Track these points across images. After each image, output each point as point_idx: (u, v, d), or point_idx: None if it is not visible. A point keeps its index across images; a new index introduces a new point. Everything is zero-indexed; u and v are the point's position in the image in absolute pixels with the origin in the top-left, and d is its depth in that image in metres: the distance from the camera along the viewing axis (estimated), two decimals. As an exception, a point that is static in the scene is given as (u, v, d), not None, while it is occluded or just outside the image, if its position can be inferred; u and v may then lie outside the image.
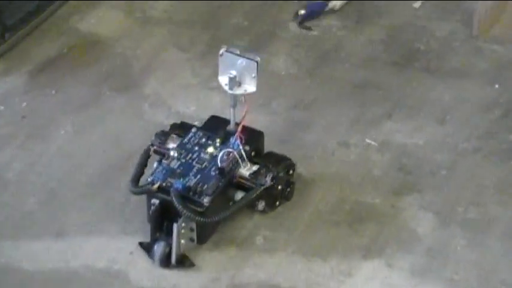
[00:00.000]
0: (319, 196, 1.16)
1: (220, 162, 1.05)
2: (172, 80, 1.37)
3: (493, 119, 1.30)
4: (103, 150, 1.23)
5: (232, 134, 1.10)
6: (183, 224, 1.01)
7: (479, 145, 1.25)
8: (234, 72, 1.03)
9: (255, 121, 1.14)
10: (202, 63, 1.40)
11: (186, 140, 1.10)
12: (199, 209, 1.01)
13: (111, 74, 1.37)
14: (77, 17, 1.49)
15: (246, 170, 1.08)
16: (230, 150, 1.07)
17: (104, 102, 1.32)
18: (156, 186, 1.03)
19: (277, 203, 1.12)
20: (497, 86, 1.37)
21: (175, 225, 1.00)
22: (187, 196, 1.03)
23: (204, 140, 1.10)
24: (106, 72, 1.37)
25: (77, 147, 1.24)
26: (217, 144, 1.09)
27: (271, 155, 1.13)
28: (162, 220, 1.03)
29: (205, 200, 1.02)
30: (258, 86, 1.06)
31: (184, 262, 1.03)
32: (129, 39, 1.44)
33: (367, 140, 1.26)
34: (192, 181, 1.04)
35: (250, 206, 1.09)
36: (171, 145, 1.09)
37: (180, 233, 1.01)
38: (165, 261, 1.02)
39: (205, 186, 1.03)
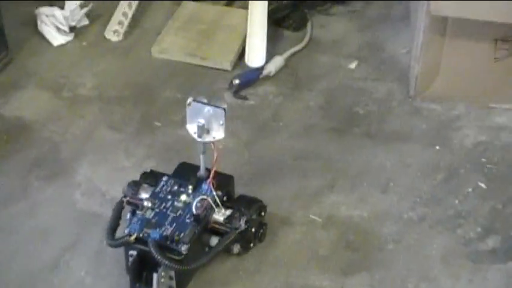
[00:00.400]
0: (265, 283, 1.11)
1: (195, 209, 1.07)
2: (105, 163, 1.31)
3: (436, 184, 1.27)
4: (31, 249, 1.15)
5: (203, 180, 1.12)
6: (162, 273, 1.03)
7: (424, 213, 1.22)
8: (202, 121, 1.06)
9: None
10: (135, 143, 1.35)
11: (158, 189, 1.12)
12: (177, 258, 1.03)
13: (38, 162, 1.30)
14: (0, 100, 1.43)
15: (220, 215, 1.10)
16: (204, 197, 1.09)
17: (31, 194, 1.24)
18: (133, 237, 1.04)
19: (251, 244, 1.14)
20: (437, 147, 1.35)
21: (155, 275, 1.01)
22: (165, 245, 1.04)
23: (176, 187, 1.12)
24: (33, 161, 1.30)
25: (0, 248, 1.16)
26: (190, 191, 1.11)
27: (242, 198, 1.16)
28: (140, 271, 1.04)
29: (183, 248, 1.04)
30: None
31: None
32: (57, 122, 1.38)
33: (311, 216, 1.22)
34: (168, 230, 1.05)
35: (226, 250, 1.11)
36: (144, 195, 1.11)
37: (160, 282, 1.03)
38: None
39: (182, 234, 1.05)
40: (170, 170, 1.19)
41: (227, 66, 1.52)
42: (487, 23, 1.33)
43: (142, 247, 1.03)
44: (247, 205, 1.12)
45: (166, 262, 1.00)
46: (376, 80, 1.51)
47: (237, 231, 1.08)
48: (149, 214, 1.07)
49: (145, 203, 1.08)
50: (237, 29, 1.57)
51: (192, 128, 1.07)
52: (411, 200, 1.25)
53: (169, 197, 1.10)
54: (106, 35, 1.60)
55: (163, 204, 1.09)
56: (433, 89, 1.44)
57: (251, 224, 1.11)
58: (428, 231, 1.19)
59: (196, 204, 1.07)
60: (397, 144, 1.36)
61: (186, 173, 1.14)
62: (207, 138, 1.07)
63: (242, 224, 1.09)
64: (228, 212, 1.10)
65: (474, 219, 1.21)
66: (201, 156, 1.11)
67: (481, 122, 1.41)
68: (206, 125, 1.06)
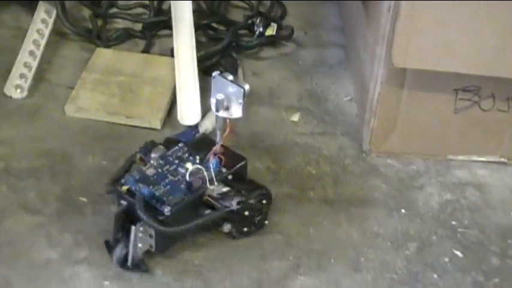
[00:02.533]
0: None
1: (188, 176, 1.08)
2: (24, 257, 1.07)
3: (410, 256, 1.14)
4: None
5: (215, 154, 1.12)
6: (141, 228, 1.04)
7: (403, 293, 1.09)
8: (221, 96, 1.07)
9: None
10: (60, 227, 1.12)
11: (169, 152, 1.14)
12: (159, 217, 1.04)
13: None
14: None
15: (215, 190, 1.09)
16: (199, 167, 1.09)
17: None
18: (125, 188, 1.07)
19: (245, 229, 1.12)
20: (403, 211, 1.22)
21: (133, 228, 1.04)
22: (151, 203, 1.05)
23: (186, 155, 1.14)
24: None
25: None
26: (197, 161, 1.12)
27: (250, 182, 1.15)
28: (125, 222, 1.06)
29: (166, 210, 1.04)
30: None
31: (139, 266, 1.06)
32: (-43, 207, 1.13)
33: (280, 307, 1.05)
34: (160, 190, 1.07)
35: (216, 226, 1.11)
36: (154, 155, 1.13)
37: (138, 236, 1.05)
38: (122, 262, 1.06)
39: (171, 197, 1.06)
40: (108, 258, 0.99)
41: (157, 124, 1.31)
42: (447, 74, 1.22)
43: (130, 199, 1.06)
44: (249, 189, 1.11)
45: (145, 217, 1.02)
46: (324, 134, 1.37)
47: (225, 209, 1.08)
48: (150, 172, 1.10)
49: (151, 161, 1.11)
50: (163, 80, 1.38)
51: (212, 102, 1.09)
52: (387, 277, 1.10)
53: (176, 161, 1.13)
54: (6, 92, 1.36)
55: (167, 167, 1.11)
56: (389, 144, 1.32)
57: (245, 207, 1.09)
58: (413, 314, 1.06)
59: (190, 171, 1.08)
60: (359, 210, 1.21)
61: (203, 146, 1.15)
62: (224, 114, 1.08)
63: (234, 204, 1.08)
64: (225, 189, 1.10)
65: (450, 297, 1.10)
66: (218, 132, 1.12)
67: (443, 177, 1.30)
68: (226, 102, 1.07)
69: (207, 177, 1.08)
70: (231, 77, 1.07)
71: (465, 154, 1.34)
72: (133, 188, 1.07)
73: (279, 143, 1.34)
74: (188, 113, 1.32)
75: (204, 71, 1.44)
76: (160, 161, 1.12)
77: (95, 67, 1.40)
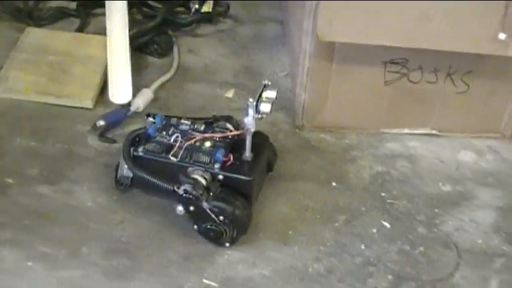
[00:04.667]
0: None
1: (172, 141, 1.12)
2: None
3: (338, 227, 1.15)
4: None
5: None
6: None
7: (331, 264, 1.09)
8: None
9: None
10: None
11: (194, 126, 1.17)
12: (134, 152, 1.13)
13: None
14: None
15: (195, 172, 1.09)
16: (193, 132, 1.14)
17: None
18: (150, 119, 1.17)
19: (195, 226, 1.10)
20: (334, 183, 1.23)
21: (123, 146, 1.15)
22: (142, 139, 1.14)
23: (203, 127, 1.16)
24: None
25: None
26: (215, 145, 1.13)
27: (239, 198, 1.09)
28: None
29: (140, 150, 1.13)
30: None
31: (119, 182, 1.16)
32: None
33: (205, 281, 1.05)
34: (162, 137, 1.14)
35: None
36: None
37: (124, 168, 1.14)
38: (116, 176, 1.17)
39: (153, 144, 1.13)
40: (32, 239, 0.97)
41: (88, 104, 1.30)
42: (375, 46, 1.23)
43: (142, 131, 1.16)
44: (223, 198, 1.07)
45: (124, 146, 1.13)
46: (258, 110, 1.38)
47: (172, 187, 1.07)
48: (171, 128, 1.16)
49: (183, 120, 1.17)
50: (96, 59, 1.37)
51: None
52: (315, 249, 1.11)
53: (191, 132, 1.15)
54: None
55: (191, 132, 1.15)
56: (321, 118, 1.32)
57: (189, 201, 1.06)
58: (338, 285, 1.07)
59: (174, 138, 1.12)
60: (291, 183, 1.22)
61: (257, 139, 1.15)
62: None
63: (181, 188, 1.06)
64: (200, 178, 1.08)
65: (384, 266, 1.10)
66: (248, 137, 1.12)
67: (375, 150, 1.31)
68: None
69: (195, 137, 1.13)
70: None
71: (397, 127, 1.35)
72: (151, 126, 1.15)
73: (213, 119, 1.35)
74: (119, 91, 1.31)
75: (137, 49, 1.43)
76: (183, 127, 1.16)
77: (25, 46, 1.38)
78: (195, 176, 1.09)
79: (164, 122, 1.17)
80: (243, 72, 1.46)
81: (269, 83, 1.12)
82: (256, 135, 1.13)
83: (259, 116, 1.10)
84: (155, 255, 1.08)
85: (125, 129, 1.28)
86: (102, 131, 1.25)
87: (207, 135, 1.14)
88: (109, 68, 1.32)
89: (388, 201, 1.21)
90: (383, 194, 1.22)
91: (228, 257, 1.09)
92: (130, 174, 1.14)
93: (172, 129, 1.16)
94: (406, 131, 1.35)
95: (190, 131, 1.16)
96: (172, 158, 1.11)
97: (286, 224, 1.15)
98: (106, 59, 1.34)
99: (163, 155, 1.12)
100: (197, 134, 1.14)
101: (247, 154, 1.13)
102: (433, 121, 1.35)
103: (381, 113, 1.32)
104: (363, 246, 1.13)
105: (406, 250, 1.13)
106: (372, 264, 1.10)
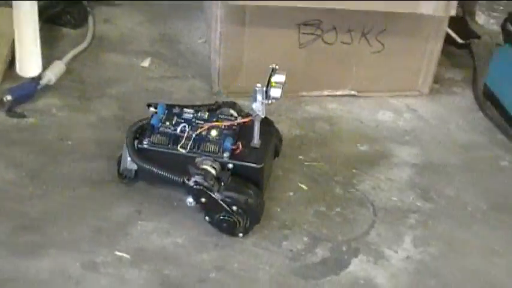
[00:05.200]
0: None
1: (179, 131, 1.09)
2: None
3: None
4: None
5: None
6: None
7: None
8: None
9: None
10: None
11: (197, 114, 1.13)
12: (139, 145, 1.09)
13: None
14: None
15: (204, 162, 1.06)
16: (184, 125, 1.10)
17: None
18: (152, 109, 1.13)
19: (207, 218, 1.07)
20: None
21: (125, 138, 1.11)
22: (145, 131, 1.11)
23: (206, 116, 1.12)
24: None
25: None
26: (222, 133, 1.10)
27: (250, 187, 1.06)
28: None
29: (145, 142, 1.09)
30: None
31: (122, 175, 1.13)
32: None
33: (117, 253, 1.03)
34: (166, 128, 1.10)
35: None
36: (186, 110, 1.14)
37: (126, 156, 1.11)
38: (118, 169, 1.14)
39: (158, 136, 1.10)
40: None
41: (-5, 78, 1.27)
42: (287, 9, 1.21)
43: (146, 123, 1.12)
44: (235, 188, 1.04)
45: (127, 138, 1.09)
46: (175, 78, 1.35)
47: (181, 179, 1.05)
48: (175, 117, 1.12)
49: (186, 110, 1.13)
50: (2, 32, 1.32)
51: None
52: (229, 215, 1.11)
53: (194, 120, 1.12)
54: None
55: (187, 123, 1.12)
56: (238, 83, 1.31)
57: (201, 193, 1.04)
58: (253, 249, 1.06)
59: (181, 128, 1.09)
60: (206, 151, 1.21)
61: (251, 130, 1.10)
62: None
63: (192, 180, 1.03)
64: (210, 168, 1.05)
65: (300, 228, 1.10)
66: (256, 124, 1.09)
67: (294, 113, 1.31)
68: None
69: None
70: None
71: (316, 89, 1.34)
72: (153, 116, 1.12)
73: (128, 90, 1.31)
74: (28, 64, 1.26)
75: (49, 20, 1.39)
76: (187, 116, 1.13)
77: None
78: (205, 167, 1.05)
79: (166, 112, 1.13)
80: (160, 41, 1.43)
81: (277, 66, 1.08)
82: (262, 120, 1.10)
83: (269, 101, 1.07)
84: (66, 230, 1.05)
85: (36, 102, 1.25)
86: (10, 106, 1.21)
87: (215, 123, 1.10)
88: (16, 40, 1.27)
89: (306, 163, 1.21)
90: (301, 157, 1.22)
91: (141, 227, 1.07)
92: (134, 167, 1.11)
93: (175, 118, 1.12)
94: (325, 93, 1.35)
95: (194, 119, 1.12)
96: (181, 150, 1.08)
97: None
98: (13, 31, 1.30)
99: (170, 146, 1.09)
100: (204, 123, 1.10)
101: (256, 141, 1.10)
102: (351, 82, 1.34)
103: (298, 76, 1.31)
104: (278, 210, 1.12)
105: (322, 211, 1.13)
106: (287, 227, 1.10)
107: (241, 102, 1.29)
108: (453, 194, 1.18)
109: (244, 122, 1.11)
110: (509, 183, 1.20)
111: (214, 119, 1.12)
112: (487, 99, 1.36)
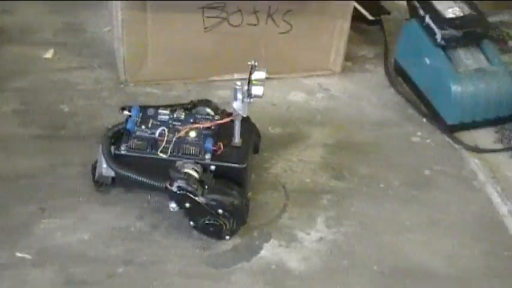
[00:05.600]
0: None
1: (157, 135, 1.05)
2: None
3: (164, 182, 1.12)
4: None
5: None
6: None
7: (155, 220, 1.05)
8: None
9: None
10: None
11: (173, 115, 1.09)
12: (115, 151, 1.05)
13: None
14: None
15: (184, 166, 1.02)
16: (163, 129, 1.05)
17: None
18: (126, 112, 1.08)
19: (192, 222, 1.04)
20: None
21: (100, 147, 1.07)
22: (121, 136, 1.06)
23: (182, 117, 1.09)
24: None
25: None
26: (201, 133, 1.06)
27: (235, 187, 1.03)
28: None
29: (122, 148, 1.05)
30: None
31: (98, 182, 1.09)
32: None
33: (18, 254, 0.99)
34: (143, 132, 1.06)
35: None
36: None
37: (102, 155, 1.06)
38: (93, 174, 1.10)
39: (135, 141, 1.05)
40: None
41: None
42: (189, -8, 1.18)
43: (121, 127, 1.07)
44: (221, 190, 1.01)
45: (104, 144, 1.05)
46: (80, 68, 1.30)
47: (162, 185, 1.01)
48: (150, 121, 1.08)
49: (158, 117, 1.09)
50: None
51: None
52: (138, 207, 1.07)
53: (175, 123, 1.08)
54: None
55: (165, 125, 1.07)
56: (145, 71, 1.27)
57: (185, 198, 1.00)
58: (162, 241, 1.04)
59: (159, 132, 1.05)
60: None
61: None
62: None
63: (174, 185, 0.99)
64: (192, 171, 1.01)
65: (210, 216, 1.09)
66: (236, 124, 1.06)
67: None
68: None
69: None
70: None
71: (226, 73, 1.32)
72: (128, 120, 1.07)
73: (30, 83, 1.26)
74: None
75: None
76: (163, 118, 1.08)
77: None
78: (187, 170, 1.01)
79: (141, 114, 1.08)
80: (64, 30, 1.38)
81: (256, 63, 1.04)
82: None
83: (251, 100, 1.03)
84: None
85: None
86: None
87: (195, 125, 1.06)
88: None
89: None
90: (211, 144, 1.20)
91: (45, 225, 1.03)
92: (111, 174, 1.06)
93: (151, 121, 1.08)
94: (236, 76, 1.32)
95: (171, 121, 1.08)
96: (161, 155, 1.03)
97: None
98: None
99: (149, 150, 1.04)
100: (181, 124, 1.07)
101: (237, 140, 1.07)
102: (261, 64, 1.32)
103: (207, 61, 1.29)
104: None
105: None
106: (197, 216, 1.08)
107: (149, 90, 1.27)
108: (366, 172, 1.18)
109: (225, 122, 1.07)
110: (420, 158, 1.21)
111: (192, 120, 1.08)
112: (398, 74, 1.37)
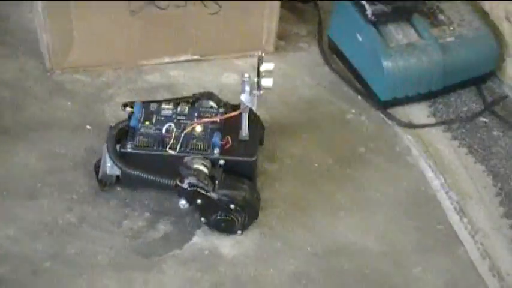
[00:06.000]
0: None
1: (164, 131, 1.03)
2: None
3: (92, 173, 1.08)
4: None
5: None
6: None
7: (83, 212, 1.03)
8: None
9: None
10: None
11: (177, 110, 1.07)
12: (121, 150, 1.03)
13: None
14: None
15: (194, 161, 1.00)
16: (170, 125, 1.03)
17: None
18: (128, 109, 1.07)
19: (203, 218, 1.02)
20: (88, 126, 1.15)
21: (103, 146, 1.04)
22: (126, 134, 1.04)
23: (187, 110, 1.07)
24: None
25: None
26: (207, 128, 1.05)
27: (246, 182, 1.02)
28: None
29: (128, 146, 1.02)
30: None
31: (102, 182, 1.06)
32: None
33: None
34: (148, 128, 1.04)
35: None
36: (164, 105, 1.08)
37: (106, 159, 1.03)
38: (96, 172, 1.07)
39: (141, 138, 1.03)
40: None
41: None
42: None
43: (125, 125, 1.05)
44: (231, 185, 1.00)
45: (108, 143, 1.02)
46: (4, 57, 1.25)
47: (173, 182, 0.99)
48: (154, 116, 1.06)
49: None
50: None
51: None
52: (66, 199, 1.04)
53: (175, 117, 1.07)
54: None
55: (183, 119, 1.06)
56: (72, 58, 1.23)
57: (196, 194, 0.98)
58: (90, 232, 1.01)
59: (166, 128, 1.03)
60: (40, 134, 1.13)
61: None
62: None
63: (185, 182, 0.98)
64: (202, 167, 1.00)
65: (140, 204, 1.06)
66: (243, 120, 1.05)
67: (134, 84, 1.25)
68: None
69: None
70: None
71: (156, 57, 1.28)
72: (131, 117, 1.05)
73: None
74: None
75: None
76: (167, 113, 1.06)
77: None
78: (196, 166, 0.99)
79: (144, 110, 1.05)
80: (-14, 18, 1.33)
81: (263, 54, 1.02)
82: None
83: (261, 92, 1.01)
84: None
85: None
86: None
87: (204, 120, 1.04)
88: None
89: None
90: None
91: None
92: (115, 172, 1.03)
93: (155, 117, 1.05)
94: (166, 60, 1.29)
95: (175, 116, 1.06)
96: (170, 152, 1.01)
97: (36, 176, 1.07)
98: None
99: (156, 147, 1.02)
100: (186, 118, 1.05)
101: (244, 133, 1.05)
102: (192, 46, 1.29)
103: (136, 45, 1.25)
104: (118, 188, 1.07)
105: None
106: (127, 205, 1.05)
107: (77, 77, 1.24)
108: (299, 152, 1.17)
109: (234, 115, 1.05)
110: (354, 136, 1.20)
111: (196, 114, 1.06)
112: (332, 52, 1.36)
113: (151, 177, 0.99)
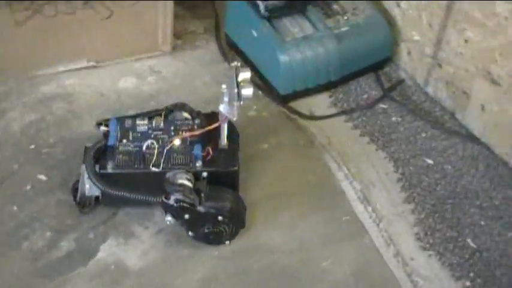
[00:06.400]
0: None
1: (145, 148, 1.01)
2: None
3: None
4: None
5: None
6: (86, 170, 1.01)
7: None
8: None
9: None
10: None
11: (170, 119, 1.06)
12: (101, 171, 1.00)
13: None
14: None
15: (177, 176, 0.99)
16: (151, 142, 1.01)
17: None
18: (103, 128, 1.04)
19: (190, 233, 1.01)
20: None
21: (82, 167, 1.02)
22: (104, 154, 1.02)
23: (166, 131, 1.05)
24: None
25: None
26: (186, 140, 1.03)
27: (230, 192, 1.01)
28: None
29: (109, 166, 1.01)
30: None
31: (82, 204, 1.04)
32: None
33: None
34: (126, 146, 1.02)
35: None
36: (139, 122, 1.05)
37: (85, 177, 1.02)
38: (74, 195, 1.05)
39: (121, 157, 1.00)
40: None
41: None
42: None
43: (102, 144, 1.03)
44: (215, 196, 0.99)
45: (87, 163, 1.00)
46: None
47: (158, 199, 0.97)
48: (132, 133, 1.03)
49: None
50: None
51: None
52: None
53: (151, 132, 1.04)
54: None
55: (162, 134, 1.04)
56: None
57: (184, 209, 0.97)
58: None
59: (147, 145, 1.01)
60: None
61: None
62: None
63: (172, 199, 0.96)
64: (186, 182, 0.98)
65: (41, 223, 1.02)
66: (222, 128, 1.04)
67: (27, 97, 1.20)
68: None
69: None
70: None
71: (50, 66, 1.24)
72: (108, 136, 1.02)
73: None
74: None
75: None
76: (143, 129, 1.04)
77: None
78: (181, 181, 0.97)
79: (119, 127, 1.02)
80: None
81: (239, 63, 0.99)
82: (213, 117, 1.03)
83: (241, 102, 0.98)
84: None
85: None
86: None
87: (186, 135, 1.02)
88: None
89: (44, 151, 1.12)
90: (37, 144, 1.13)
91: None
92: (95, 193, 1.00)
93: (131, 133, 1.02)
94: (61, 68, 1.26)
95: (151, 131, 1.02)
96: (153, 169, 0.98)
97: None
98: None
99: (137, 165, 1.00)
100: (162, 132, 1.02)
101: (223, 143, 1.02)
102: (87, 53, 1.26)
103: (25, 56, 1.21)
104: (15, 208, 1.04)
105: (65, 201, 1.05)
106: (26, 226, 1.02)
107: None
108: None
109: (214, 128, 1.02)
110: (258, 132, 1.20)
111: (172, 127, 1.04)
112: (231, 48, 1.35)
113: (136, 196, 0.99)
